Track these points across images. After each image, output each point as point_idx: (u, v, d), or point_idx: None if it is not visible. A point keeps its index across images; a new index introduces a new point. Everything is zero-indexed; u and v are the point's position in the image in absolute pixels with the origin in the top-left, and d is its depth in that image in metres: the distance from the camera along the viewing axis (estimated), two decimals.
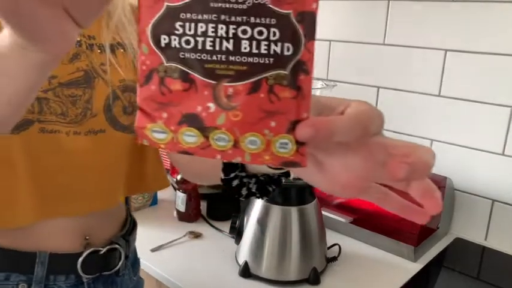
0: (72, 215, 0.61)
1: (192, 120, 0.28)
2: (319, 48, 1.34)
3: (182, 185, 1.17)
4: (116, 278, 0.66)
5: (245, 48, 0.28)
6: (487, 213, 1.11)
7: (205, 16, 0.27)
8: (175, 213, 1.19)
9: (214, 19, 0.27)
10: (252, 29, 0.27)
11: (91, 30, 0.61)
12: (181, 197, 1.16)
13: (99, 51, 0.62)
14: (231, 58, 0.28)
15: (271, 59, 0.28)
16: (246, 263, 0.92)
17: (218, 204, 1.20)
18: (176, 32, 0.28)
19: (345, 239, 1.10)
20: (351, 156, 0.34)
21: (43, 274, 0.58)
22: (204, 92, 0.28)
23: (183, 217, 1.17)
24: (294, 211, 0.90)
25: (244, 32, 0.27)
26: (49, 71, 0.36)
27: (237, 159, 0.30)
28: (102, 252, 0.63)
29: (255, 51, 0.28)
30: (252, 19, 0.27)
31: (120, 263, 0.66)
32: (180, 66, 0.28)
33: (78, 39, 0.59)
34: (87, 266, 0.61)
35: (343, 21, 1.28)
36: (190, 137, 0.29)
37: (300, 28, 0.28)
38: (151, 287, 1.00)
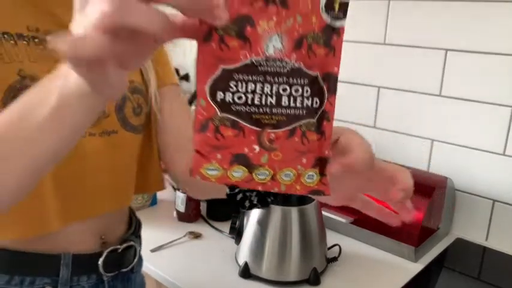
0: (92, 216, 0.62)
1: (241, 160, 0.36)
2: None
3: None
4: (130, 274, 0.68)
5: (285, 102, 0.35)
6: (488, 213, 1.11)
7: (254, 77, 0.34)
8: (175, 213, 1.19)
9: (261, 80, 0.34)
10: (291, 88, 0.35)
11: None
12: (181, 197, 1.16)
13: None
14: (274, 110, 0.35)
15: (304, 111, 0.36)
16: (246, 264, 0.92)
17: (218, 204, 1.20)
18: (230, 89, 0.34)
19: (345, 239, 1.10)
20: (351, 178, 0.46)
21: (68, 276, 0.59)
22: (251, 137, 0.35)
23: (183, 217, 1.17)
24: (294, 211, 0.90)
25: (285, 90, 0.35)
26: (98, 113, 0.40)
27: (274, 190, 0.38)
28: (120, 250, 0.65)
29: (292, 104, 0.36)
30: (291, 80, 0.35)
31: (136, 260, 0.68)
32: (232, 117, 0.35)
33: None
34: (108, 264, 0.63)
35: None
36: (238, 173, 0.36)
37: (325, 86, 0.36)
38: (151, 287, 1.00)
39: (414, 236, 0.99)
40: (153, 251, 1.01)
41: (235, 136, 0.35)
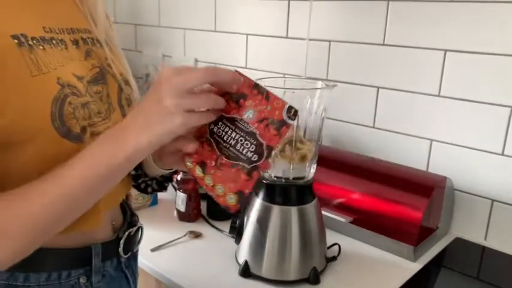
0: (116, 205, 0.70)
1: (203, 165, 0.60)
2: (320, 48, 1.34)
3: (182, 185, 1.17)
4: (136, 253, 0.75)
5: (238, 147, 0.57)
6: (487, 213, 1.12)
7: (231, 125, 0.57)
8: (175, 213, 1.19)
9: (233, 128, 0.57)
10: (245, 141, 0.57)
11: (85, 24, 0.65)
12: (181, 197, 1.16)
13: (98, 45, 0.66)
14: (231, 148, 0.57)
15: (245, 158, 0.57)
16: (246, 263, 0.93)
17: (218, 204, 1.21)
18: (218, 125, 0.58)
19: (345, 238, 1.10)
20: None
21: (99, 264, 0.64)
22: (213, 155, 0.59)
23: (183, 217, 1.17)
24: (294, 211, 0.91)
25: (241, 140, 0.57)
26: None
27: (211, 193, 0.59)
28: (132, 233, 0.70)
29: (241, 150, 0.57)
30: (247, 137, 0.56)
31: (142, 240, 0.75)
32: (211, 140, 0.59)
33: (84, 36, 0.63)
34: (125, 247, 0.68)
35: (343, 22, 1.28)
36: (199, 171, 0.60)
37: (265, 152, 0.56)
38: (151, 286, 1.01)
39: (413, 236, 1.00)
40: (153, 250, 1.01)
41: (208, 150, 0.59)
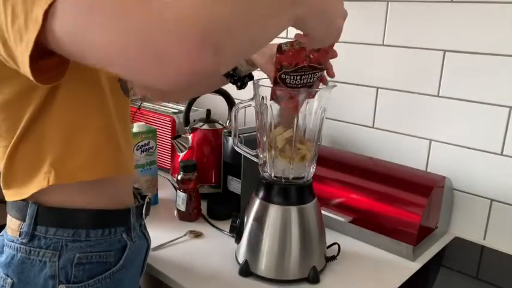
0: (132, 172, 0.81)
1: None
2: None
3: (182, 185, 1.18)
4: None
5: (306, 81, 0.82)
6: (486, 212, 1.12)
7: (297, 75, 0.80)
8: (175, 212, 1.20)
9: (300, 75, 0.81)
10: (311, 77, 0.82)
11: None
12: (181, 197, 1.17)
13: None
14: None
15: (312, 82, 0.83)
16: (246, 262, 0.93)
17: (218, 203, 1.21)
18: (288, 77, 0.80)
19: (345, 238, 1.11)
20: None
21: (135, 221, 0.77)
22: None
23: (184, 217, 1.18)
24: (293, 210, 0.91)
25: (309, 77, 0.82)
26: None
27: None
28: (149, 201, 0.82)
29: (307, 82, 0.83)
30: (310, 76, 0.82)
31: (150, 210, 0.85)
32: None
33: None
34: (146, 212, 0.81)
35: None
36: None
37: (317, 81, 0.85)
38: (152, 285, 1.01)
39: (412, 235, 1.00)
40: (153, 249, 1.02)
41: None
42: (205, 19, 0.44)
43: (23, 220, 0.67)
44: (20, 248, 0.67)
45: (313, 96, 0.86)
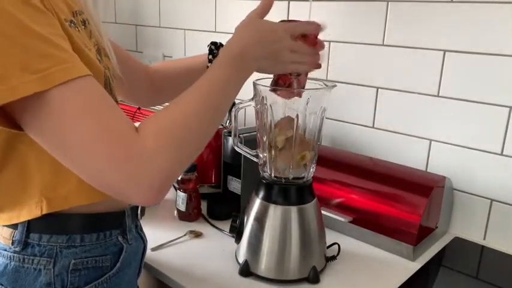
0: None
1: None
2: None
3: (182, 185, 1.18)
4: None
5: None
6: (486, 212, 1.12)
7: None
8: (175, 212, 1.20)
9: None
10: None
11: (78, 6, 0.68)
12: (181, 197, 1.17)
13: (89, 24, 0.70)
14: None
15: None
16: (246, 262, 0.93)
17: (218, 203, 1.21)
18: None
19: (345, 238, 1.11)
20: None
21: (130, 224, 0.75)
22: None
23: (184, 217, 1.18)
24: (293, 210, 0.91)
25: None
26: None
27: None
28: None
29: None
30: None
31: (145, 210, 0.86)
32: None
33: (84, 17, 0.68)
34: (141, 213, 0.81)
35: (342, 22, 1.29)
36: None
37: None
38: (152, 285, 1.01)
39: (412, 235, 1.00)
40: (153, 250, 1.02)
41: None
42: (163, 176, 0.59)
43: (15, 228, 0.66)
44: (13, 256, 0.66)
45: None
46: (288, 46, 0.73)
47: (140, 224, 0.82)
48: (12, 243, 0.66)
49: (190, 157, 0.64)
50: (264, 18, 0.75)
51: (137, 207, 0.79)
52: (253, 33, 0.71)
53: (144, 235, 0.83)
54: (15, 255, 0.66)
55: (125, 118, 0.58)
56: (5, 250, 0.66)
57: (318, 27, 0.77)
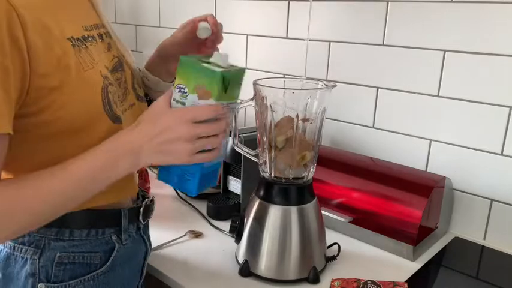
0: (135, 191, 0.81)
1: None
2: (319, 48, 1.34)
3: None
4: (148, 222, 0.85)
5: None
6: (486, 212, 1.12)
7: None
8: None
9: None
10: None
11: (98, 19, 0.73)
12: None
13: (110, 37, 0.75)
14: None
15: None
16: (246, 262, 0.93)
17: (218, 204, 1.21)
18: None
19: (345, 238, 1.11)
20: None
21: (126, 225, 0.75)
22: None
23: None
24: (293, 210, 0.91)
25: None
26: None
27: None
28: (149, 202, 0.82)
29: None
30: None
31: (154, 211, 0.85)
32: None
33: (102, 31, 0.73)
34: (144, 214, 0.80)
35: (342, 22, 1.29)
36: None
37: None
38: (152, 285, 1.01)
39: (413, 235, 1.00)
40: (153, 249, 1.01)
41: None
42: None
43: None
44: (6, 243, 0.68)
45: None
46: (180, 137, 0.64)
47: (144, 227, 0.82)
48: None
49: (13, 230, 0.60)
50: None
51: (137, 208, 0.79)
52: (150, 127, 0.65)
53: (149, 238, 0.83)
54: (8, 242, 0.68)
55: None
56: None
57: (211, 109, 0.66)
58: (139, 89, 0.81)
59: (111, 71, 0.71)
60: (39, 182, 0.59)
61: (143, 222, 0.81)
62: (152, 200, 0.84)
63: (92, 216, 0.70)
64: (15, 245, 0.67)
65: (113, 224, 0.73)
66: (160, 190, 1.30)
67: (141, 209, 0.79)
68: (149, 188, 1.25)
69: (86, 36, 0.66)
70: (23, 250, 0.67)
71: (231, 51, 1.56)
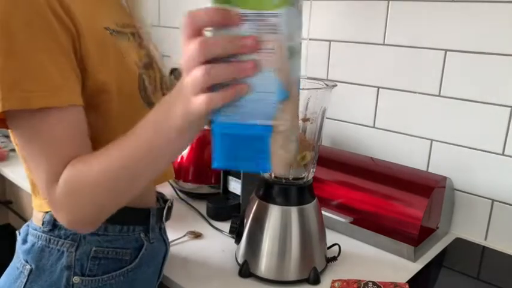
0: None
1: None
2: (319, 48, 1.34)
3: None
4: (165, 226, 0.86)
5: None
6: (487, 213, 1.12)
7: None
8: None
9: None
10: None
11: (130, 20, 0.75)
12: None
13: (140, 38, 0.77)
14: None
15: None
16: (245, 263, 0.93)
17: (218, 204, 1.21)
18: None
19: (345, 239, 1.10)
20: None
21: (154, 223, 0.78)
22: None
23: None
24: (294, 211, 0.90)
25: None
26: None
27: None
28: (170, 204, 0.84)
29: None
30: None
31: (171, 214, 0.87)
32: None
33: (133, 31, 0.75)
34: (166, 216, 0.83)
35: (342, 22, 1.28)
36: None
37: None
38: None
39: (413, 236, 1.00)
40: None
41: None
42: (77, 218, 0.60)
43: (47, 211, 0.70)
44: (41, 236, 0.70)
45: None
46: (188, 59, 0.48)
47: (164, 228, 0.84)
48: (43, 224, 0.70)
49: (110, 203, 0.61)
50: None
51: (163, 208, 0.82)
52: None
53: (167, 239, 0.85)
54: (43, 235, 0.70)
55: (53, 164, 0.58)
56: (35, 230, 0.71)
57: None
58: (166, 92, 0.82)
59: (144, 67, 0.73)
60: (123, 147, 0.56)
61: (164, 223, 0.84)
62: (172, 203, 0.86)
63: (124, 213, 0.70)
64: (52, 238, 0.69)
65: (142, 222, 0.76)
66: (160, 191, 1.29)
67: (165, 210, 0.82)
68: None
69: (118, 30, 0.69)
70: (59, 243, 0.69)
71: None
